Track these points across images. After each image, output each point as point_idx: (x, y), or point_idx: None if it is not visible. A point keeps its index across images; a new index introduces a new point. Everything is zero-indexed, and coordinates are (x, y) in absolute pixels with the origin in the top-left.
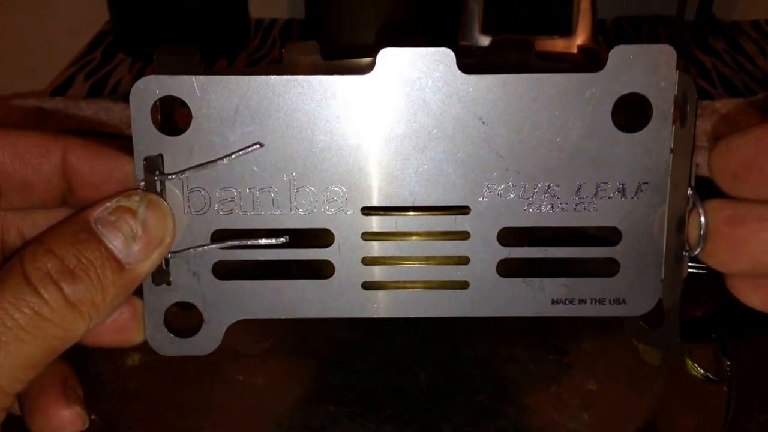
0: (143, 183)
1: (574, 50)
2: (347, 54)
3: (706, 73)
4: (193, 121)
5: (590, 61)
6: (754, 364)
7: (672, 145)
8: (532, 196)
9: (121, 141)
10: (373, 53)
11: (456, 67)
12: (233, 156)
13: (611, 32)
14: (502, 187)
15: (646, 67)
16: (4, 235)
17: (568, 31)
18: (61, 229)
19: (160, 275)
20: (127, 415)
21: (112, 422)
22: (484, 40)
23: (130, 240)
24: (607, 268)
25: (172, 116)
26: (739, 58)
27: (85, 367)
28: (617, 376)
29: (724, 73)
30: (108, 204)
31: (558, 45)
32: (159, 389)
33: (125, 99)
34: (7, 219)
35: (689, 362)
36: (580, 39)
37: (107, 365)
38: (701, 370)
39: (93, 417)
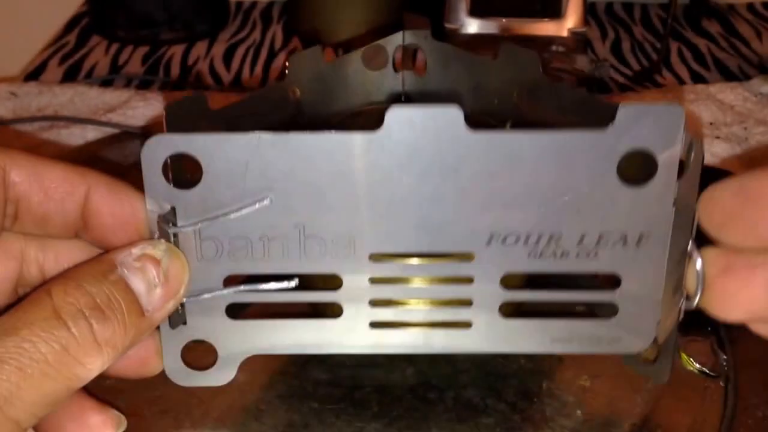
0: (157, 234)
1: (564, 33)
2: (330, 36)
3: (700, 57)
4: (204, 176)
5: (581, 45)
6: (751, 358)
7: (675, 198)
8: (536, 244)
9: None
10: (363, 39)
11: (464, 124)
12: (243, 211)
13: (602, 15)
14: (507, 236)
15: (653, 126)
16: (23, 268)
17: (557, 14)
18: (90, 268)
19: (177, 318)
20: None
21: None
22: (471, 24)
23: (152, 288)
24: (605, 308)
25: (182, 166)
26: (734, 41)
27: None
28: (610, 372)
29: (719, 56)
30: (133, 250)
31: (547, 28)
32: (136, 386)
33: (101, 83)
34: (29, 252)
35: (685, 357)
36: (570, 22)
37: None
38: (697, 365)
39: None
